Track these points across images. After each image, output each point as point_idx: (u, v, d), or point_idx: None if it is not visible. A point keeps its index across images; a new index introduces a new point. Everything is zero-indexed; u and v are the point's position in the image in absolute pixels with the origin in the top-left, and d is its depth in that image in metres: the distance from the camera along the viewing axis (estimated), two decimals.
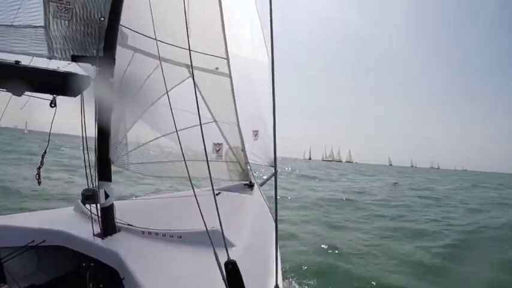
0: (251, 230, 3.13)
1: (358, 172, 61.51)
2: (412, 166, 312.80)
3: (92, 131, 2.69)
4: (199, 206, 2.22)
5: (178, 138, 2.74)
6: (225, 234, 2.63)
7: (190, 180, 2.73)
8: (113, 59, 2.72)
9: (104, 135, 2.73)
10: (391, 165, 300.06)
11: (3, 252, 2.65)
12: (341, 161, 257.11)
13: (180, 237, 2.72)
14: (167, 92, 4.47)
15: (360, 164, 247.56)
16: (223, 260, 2.40)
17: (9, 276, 2.67)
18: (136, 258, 2.38)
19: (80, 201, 3.41)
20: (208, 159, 4.74)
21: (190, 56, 3.07)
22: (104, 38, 2.66)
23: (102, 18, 2.64)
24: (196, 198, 2.25)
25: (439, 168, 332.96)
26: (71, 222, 3.09)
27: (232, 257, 2.43)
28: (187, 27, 3.12)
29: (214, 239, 2.58)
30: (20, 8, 2.48)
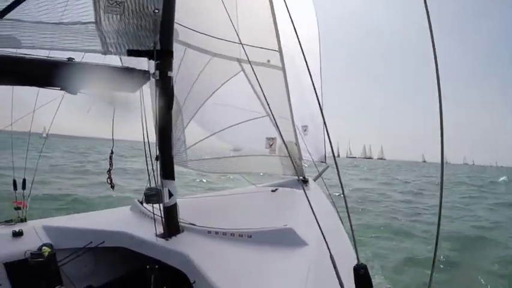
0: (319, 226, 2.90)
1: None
2: (446, 162, 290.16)
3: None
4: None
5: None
6: (296, 231, 2.43)
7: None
8: (171, 52, 2.52)
9: (165, 132, 2.53)
10: (424, 161, 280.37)
11: (61, 254, 2.55)
12: (371, 158, 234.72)
13: (250, 236, 2.48)
14: (220, 87, 4.43)
15: (392, 160, 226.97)
16: (300, 259, 2.18)
17: (66, 277, 2.58)
18: (207, 260, 2.16)
19: (137, 200, 3.31)
20: (262, 154, 4.65)
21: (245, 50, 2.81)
22: (159, 31, 2.46)
23: (157, 10, 2.44)
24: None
25: (474, 164, 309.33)
26: (130, 223, 2.95)
27: (307, 256, 2.22)
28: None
29: (287, 238, 2.38)
30: (67, 5, 2.31)
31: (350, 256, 2.30)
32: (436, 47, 1.27)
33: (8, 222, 2.86)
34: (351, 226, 1.69)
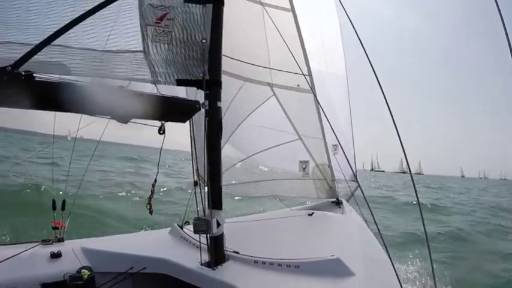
0: (362, 254, 2.81)
1: None
2: (485, 177, 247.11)
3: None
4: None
5: None
6: (343, 261, 2.35)
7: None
8: (220, 82, 2.50)
9: (214, 162, 2.48)
10: (463, 176, 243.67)
11: (100, 278, 2.45)
12: (405, 172, 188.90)
13: (298, 267, 2.37)
14: (253, 111, 4.42)
15: (429, 176, 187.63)
16: None
17: None
18: None
19: (176, 224, 3.25)
20: (295, 177, 4.61)
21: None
22: (207, 60, 2.42)
23: (204, 40, 2.40)
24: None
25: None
26: (171, 248, 2.87)
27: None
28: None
29: (335, 269, 2.30)
30: (112, 33, 2.26)
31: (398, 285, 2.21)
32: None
33: (45, 241, 2.80)
34: (431, 259, 1.62)
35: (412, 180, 1.95)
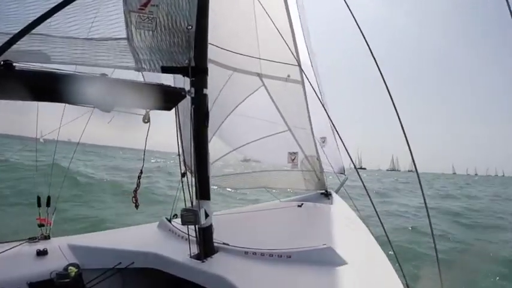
0: (353, 243, 2.80)
1: None
2: (475, 174, 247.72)
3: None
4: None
5: None
6: (335, 250, 2.31)
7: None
8: (206, 69, 2.41)
9: (201, 151, 2.40)
10: (454, 173, 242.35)
11: (88, 274, 2.38)
12: (394, 170, 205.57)
13: (290, 256, 2.32)
14: (242, 102, 4.36)
15: (421, 173, 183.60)
16: (343, 279, 2.07)
17: None
18: (248, 283, 2.02)
19: (165, 218, 3.18)
20: (284, 169, 4.56)
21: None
22: (193, 47, 2.33)
23: (190, 27, 2.31)
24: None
25: (504, 175, 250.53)
26: (159, 242, 2.81)
27: (348, 276, 2.09)
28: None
29: (327, 257, 2.25)
30: (96, 20, 2.17)
31: (392, 273, 2.20)
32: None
33: (32, 239, 2.73)
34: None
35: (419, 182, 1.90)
